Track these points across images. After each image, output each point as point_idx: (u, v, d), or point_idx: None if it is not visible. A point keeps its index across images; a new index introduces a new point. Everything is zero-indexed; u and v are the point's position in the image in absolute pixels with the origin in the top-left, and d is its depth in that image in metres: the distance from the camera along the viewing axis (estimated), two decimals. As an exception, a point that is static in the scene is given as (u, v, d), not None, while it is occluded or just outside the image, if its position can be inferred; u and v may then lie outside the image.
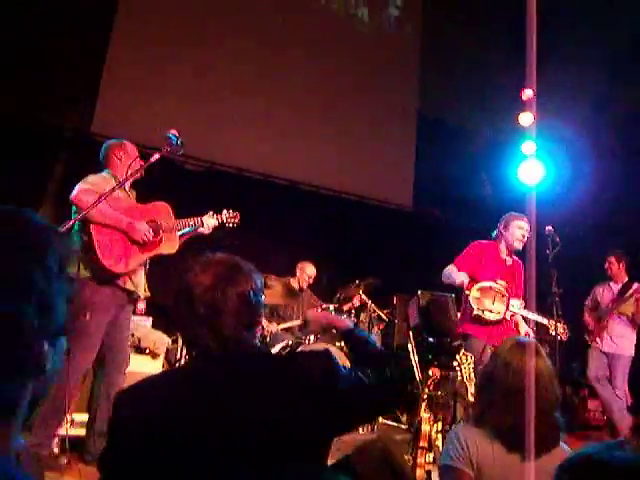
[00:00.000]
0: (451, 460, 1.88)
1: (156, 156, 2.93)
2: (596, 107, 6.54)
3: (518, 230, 3.92)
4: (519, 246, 3.93)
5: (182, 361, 4.22)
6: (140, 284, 3.24)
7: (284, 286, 4.69)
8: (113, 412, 1.34)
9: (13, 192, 4.19)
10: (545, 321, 3.84)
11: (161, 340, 3.81)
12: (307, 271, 5.38)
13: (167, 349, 4.00)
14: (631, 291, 5.18)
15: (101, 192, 2.95)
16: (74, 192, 2.99)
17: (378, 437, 3.23)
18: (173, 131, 2.98)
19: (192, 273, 1.38)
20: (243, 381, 1.33)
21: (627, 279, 5.34)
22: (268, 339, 4.81)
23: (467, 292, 3.78)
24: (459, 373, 2.67)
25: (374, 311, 5.10)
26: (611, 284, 5.41)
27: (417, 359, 3.56)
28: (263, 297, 1.47)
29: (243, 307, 1.36)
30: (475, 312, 3.68)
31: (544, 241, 3.86)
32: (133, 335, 3.72)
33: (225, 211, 3.52)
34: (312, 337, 4.44)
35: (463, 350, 2.79)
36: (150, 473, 1.24)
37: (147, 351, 3.72)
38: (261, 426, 1.26)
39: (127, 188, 3.29)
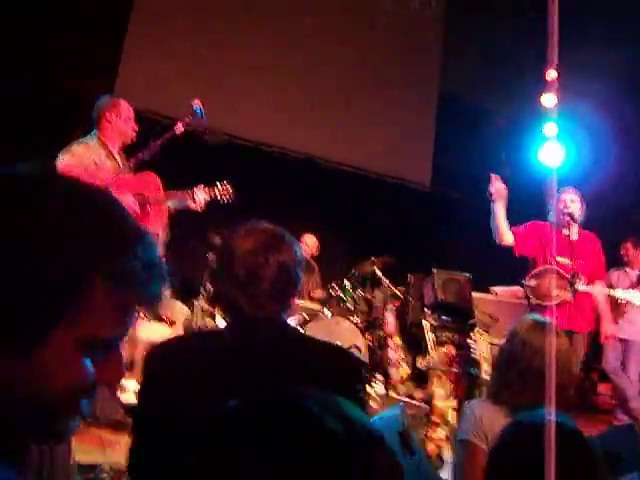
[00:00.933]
0: (466, 435, 1.92)
1: (180, 127, 2.88)
2: (620, 89, 6.41)
3: (561, 203, 3.88)
4: (567, 218, 3.80)
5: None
6: None
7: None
8: (144, 366, 1.38)
9: (28, 157, 4.23)
10: (618, 293, 3.74)
11: (180, 309, 3.88)
12: (306, 241, 5.44)
13: (185, 319, 4.07)
14: (650, 277, 5.14)
15: (85, 165, 2.85)
16: (58, 166, 2.86)
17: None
18: (197, 102, 2.92)
19: (236, 236, 1.38)
20: (263, 352, 1.34)
21: None
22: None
23: (524, 283, 3.72)
24: (474, 351, 2.69)
25: (389, 288, 5.13)
26: (627, 270, 5.35)
27: (433, 337, 3.60)
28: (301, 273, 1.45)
29: (281, 276, 1.35)
30: (534, 302, 3.61)
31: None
32: (153, 303, 3.77)
33: (218, 184, 3.40)
34: (328, 312, 4.50)
35: (478, 328, 2.81)
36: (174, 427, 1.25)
37: (166, 319, 3.79)
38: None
39: (115, 155, 3.14)
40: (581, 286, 3.61)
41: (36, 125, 4.91)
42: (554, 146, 6.30)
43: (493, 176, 3.67)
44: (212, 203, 4.46)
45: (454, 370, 3.54)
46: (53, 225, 0.60)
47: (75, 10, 5.17)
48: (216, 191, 3.38)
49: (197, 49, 5.83)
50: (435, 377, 3.00)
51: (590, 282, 3.75)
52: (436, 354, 3.30)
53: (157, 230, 3.23)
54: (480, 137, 6.95)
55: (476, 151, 6.86)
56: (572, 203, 3.85)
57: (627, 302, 3.74)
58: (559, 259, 3.71)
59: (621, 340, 5.13)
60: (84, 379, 0.64)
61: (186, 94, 5.30)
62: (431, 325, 3.72)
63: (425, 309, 3.91)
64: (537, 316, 2.03)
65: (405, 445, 2.38)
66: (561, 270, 3.64)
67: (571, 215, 3.80)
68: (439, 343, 3.69)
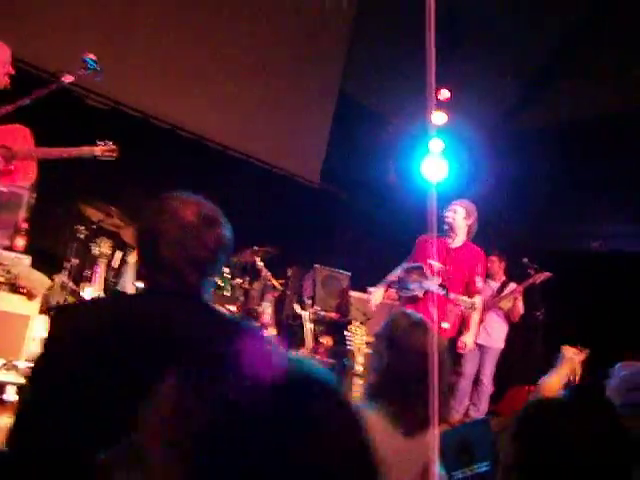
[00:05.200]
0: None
1: (69, 78, 2.58)
2: (502, 116, 6.94)
3: (447, 212, 4.18)
4: (446, 227, 4.15)
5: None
6: None
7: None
8: (51, 327, 1.32)
9: None
10: (452, 296, 3.99)
11: (41, 281, 3.50)
12: None
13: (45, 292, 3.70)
14: (509, 290, 5.59)
15: None
16: None
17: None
18: (90, 55, 2.63)
19: (177, 202, 1.38)
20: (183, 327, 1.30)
21: (505, 278, 5.76)
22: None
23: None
24: (350, 343, 2.72)
25: (269, 280, 5.07)
26: (489, 281, 5.78)
27: (312, 327, 3.61)
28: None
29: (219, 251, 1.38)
30: (394, 290, 3.84)
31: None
32: (9, 272, 3.39)
33: (99, 142, 3.09)
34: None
35: (355, 322, 2.86)
36: (81, 389, 1.21)
37: (24, 291, 3.41)
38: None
39: None
40: (432, 286, 3.82)
41: None
42: (437, 161, 6.64)
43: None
44: (85, 170, 4.08)
45: (329, 361, 3.58)
46: None
47: None
48: (96, 150, 3.05)
49: (91, 5, 5.35)
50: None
51: (461, 290, 4.01)
52: (314, 345, 3.30)
53: (22, 189, 2.88)
54: (372, 142, 7.14)
55: (367, 155, 7.05)
56: (454, 214, 4.13)
57: (471, 306, 3.96)
58: (432, 262, 3.98)
59: (479, 345, 5.54)
60: None
61: (69, 47, 4.89)
62: (309, 316, 3.73)
63: (306, 300, 3.92)
64: (410, 312, 1.94)
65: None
66: (425, 268, 3.90)
67: (450, 225, 4.09)
68: (316, 335, 3.72)
